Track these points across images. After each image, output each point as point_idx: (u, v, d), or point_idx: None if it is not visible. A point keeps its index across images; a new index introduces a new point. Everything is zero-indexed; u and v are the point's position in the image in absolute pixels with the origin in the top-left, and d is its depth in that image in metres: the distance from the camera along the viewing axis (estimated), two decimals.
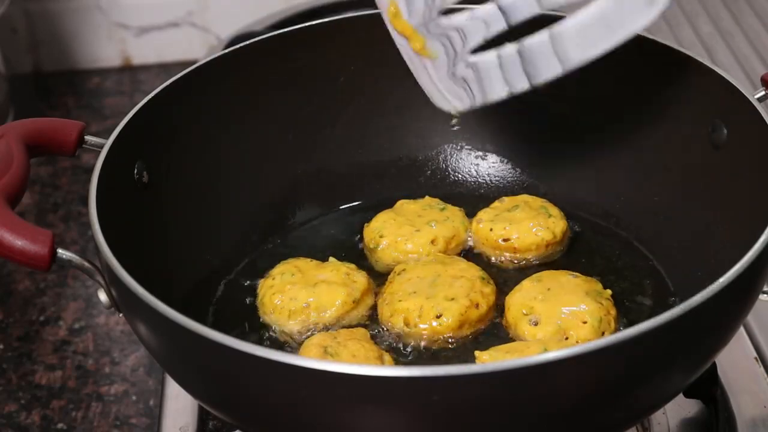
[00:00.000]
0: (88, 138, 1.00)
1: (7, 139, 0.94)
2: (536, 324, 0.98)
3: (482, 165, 1.19)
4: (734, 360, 1.09)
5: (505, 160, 1.19)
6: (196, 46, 1.72)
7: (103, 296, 0.91)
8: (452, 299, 1.00)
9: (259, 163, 1.13)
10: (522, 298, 1.01)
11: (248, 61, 1.12)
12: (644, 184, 1.11)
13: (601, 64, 1.10)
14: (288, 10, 1.60)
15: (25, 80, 1.70)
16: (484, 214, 1.11)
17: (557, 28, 0.94)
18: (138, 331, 0.90)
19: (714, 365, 1.03)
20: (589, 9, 0.93)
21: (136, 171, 1.02)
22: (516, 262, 1.09)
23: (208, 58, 1.10)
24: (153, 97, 1.04)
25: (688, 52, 1.05)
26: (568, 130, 1.15)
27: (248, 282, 1.09)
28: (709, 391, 1.04)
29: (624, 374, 0.81)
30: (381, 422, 0.81)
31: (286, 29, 1.14)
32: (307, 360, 0.79)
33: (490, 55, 0.96)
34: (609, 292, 1.02)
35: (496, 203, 1.12)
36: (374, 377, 0.77)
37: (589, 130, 1.14)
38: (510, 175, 1.19)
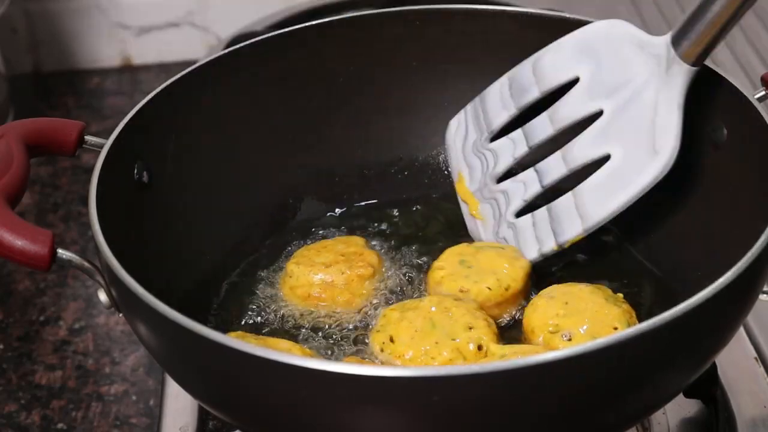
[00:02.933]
0: (88, 138, 1.00)
1: (7, 139, 0.94)
2: (570, 339, 0.96)
3: None
4: (734, 360, 1.09)
5: None
6: (196, 46, 1.72)
7: (103, 296, 0.91)
8: (470, 328, 0.98)
9: (259, 163, 1.13)
10: (543, 316, 0.99)
11: (248, 61, 1.12)
12: None
13: None
14: (288, 10, 1.60)
15: (25, 80, 1.70)
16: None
17: (579, 187, 1.04)
18: (138, 331, 0.89)
19: (714, 365, 1.03)
20: (603, 168, 1.02)
21: (136, 171, 1.02)
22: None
23: (208, 58, 1.10)
24: (153, 97, 1.04)
25: None
26: (568, 130, 1.15)
27: (248, 282, 1.09)
28: (709, 391, 1.04)
29: (624, 374, 0.81)
30: (381, 422, 0.81)
31: (286, 29, 1.14)
32: (307, 360, 0.79)
33: (527, 217, 1.07)
34: (621, 295, 1.01)
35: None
36: (374, 377, 0.77)
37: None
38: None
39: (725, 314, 0.86)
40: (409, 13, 1.15)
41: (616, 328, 0.96)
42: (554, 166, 1.06)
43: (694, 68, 0.99)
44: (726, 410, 1.04)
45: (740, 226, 0.95)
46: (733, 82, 1.01)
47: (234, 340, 0.80)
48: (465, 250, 1.06)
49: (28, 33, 1.69)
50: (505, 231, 1.08)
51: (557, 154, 1.06)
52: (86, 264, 0.90)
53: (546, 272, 1.07)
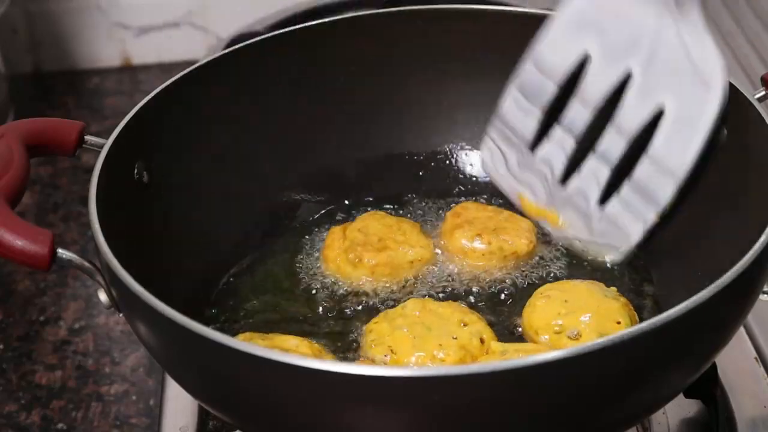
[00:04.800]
0: (88, 138, 1.00)
1: (7, 139, 0.94)
2: (578, 337, 0.96)
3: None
4: (734, 360, 1.09)
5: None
6: (196, 46, 1.72)
7: (103, 296, 0.91)
8: (464, 324, 0.98)
9: (259, 162, 1.13)
10: (544, 316, 0.98)
11: (248, 61, 1.12)
12: None
13: None
14: (288, 10, 1.60)
15: (25, 80, 1.70)
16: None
17: (650, 151, 0.97)
18: (138, 331, 0.90)
19: (714, 365, 1.03)
20: (664, 122, 0.96)
21: (136, 171, 1.02)
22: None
23: (208, 58, 1.10)
24: (153, 97, 1.04)
25: None
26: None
27: (249, 281, 1.09)
28: (709, 391, 1.04)
29: (624, 374, 0.81)
30: (381, 422, 0.81)
31: (286, 29, 1.14)
32: (308, 360, 0.79)
33: (614, 203, 1.00)
34: (614, 289, 1.02)
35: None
36: (374, 377, 0.77)
37: (587, 130, 1.14)
38: None
39: (725, 314, 0.86)
40: (409, 13, 1.15)
41: (619, 323, 0.96)
42: (613, 143, 1.00)
43: None
44: (726, 410, 1.04)
45: (740, 226, 0.95)
46: (733, 82, 1.00)
47: (233, 340, 0.80)
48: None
49: (28, 33, 1.69)
50: (598, 225, 1.02)
51: (610, 130, 1.00)
52: (86, 264, 0.90)
53: (543, 271, 1.08)
